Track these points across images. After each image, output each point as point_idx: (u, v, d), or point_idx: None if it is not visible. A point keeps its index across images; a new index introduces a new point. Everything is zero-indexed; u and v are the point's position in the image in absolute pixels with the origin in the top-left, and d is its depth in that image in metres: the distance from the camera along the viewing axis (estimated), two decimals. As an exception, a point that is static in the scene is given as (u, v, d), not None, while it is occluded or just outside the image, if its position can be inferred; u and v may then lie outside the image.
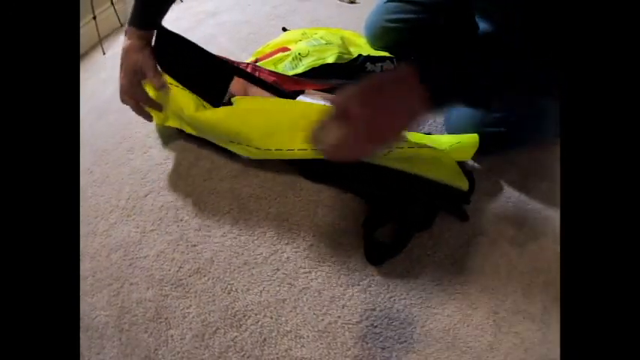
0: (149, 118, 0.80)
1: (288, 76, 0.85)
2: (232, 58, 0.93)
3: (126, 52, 0.75)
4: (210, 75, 0.77)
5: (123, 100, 0.78)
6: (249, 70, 0.85)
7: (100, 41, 1.38)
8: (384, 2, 0.95)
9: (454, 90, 0.54)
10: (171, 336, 0.66)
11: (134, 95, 0.77)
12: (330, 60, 0.85)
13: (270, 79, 0.84)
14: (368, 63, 0.88)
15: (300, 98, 0.80)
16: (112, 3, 1.49)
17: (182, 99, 0.76)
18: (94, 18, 1.41)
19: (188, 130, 0.81)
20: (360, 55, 0.88)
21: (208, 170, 0.82)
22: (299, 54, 0.88)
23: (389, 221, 0.71)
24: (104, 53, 1.35)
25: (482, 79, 0.52)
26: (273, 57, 0.91)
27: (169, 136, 0.90)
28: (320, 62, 0.85)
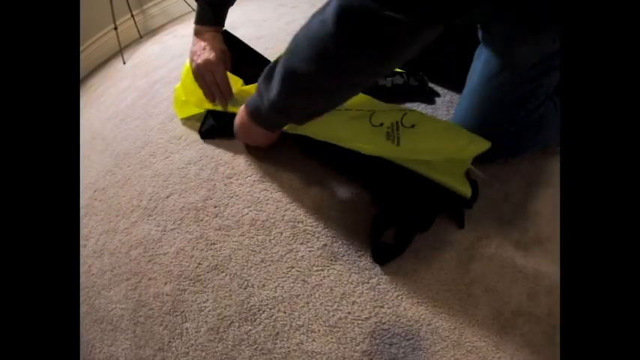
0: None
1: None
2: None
3: (207, 43, 0.85)
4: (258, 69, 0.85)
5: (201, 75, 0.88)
6: None
7: (121, 51, 1.44)
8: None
9: (281, 124, 0.75)
10: (186, 329, 0.69)
11: (207, 75, 0.86)
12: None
13: None
14: (379, 78, 0.93)
15: None
16: (132, 15, 1.55)
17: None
18: (115, 28, 1.47)
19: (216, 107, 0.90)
20: (371, 71, 0.93)
21: (229, 176, 0.86)
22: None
23: (394, 224, 0.74)
24: (124, 62, 1.41)
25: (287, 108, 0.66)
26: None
27: (192, 143, 0.94)
28: None
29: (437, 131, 0.75)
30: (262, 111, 0.69)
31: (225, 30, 0.91)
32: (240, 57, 0.90)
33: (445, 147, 0.74)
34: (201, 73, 0.85)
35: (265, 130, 0.75)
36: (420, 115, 0.77)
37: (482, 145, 0.74)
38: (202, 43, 0.85)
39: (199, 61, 0.84)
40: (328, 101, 0.64)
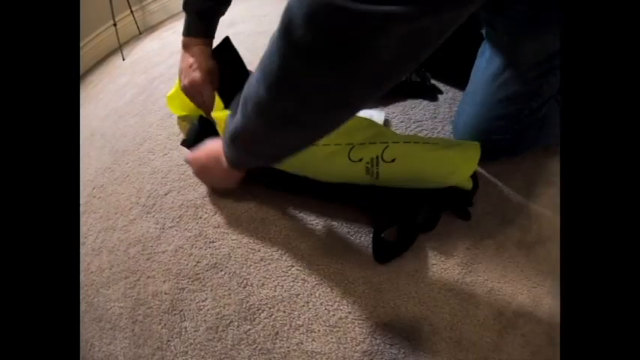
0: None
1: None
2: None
3: (196, 58, 0.81)
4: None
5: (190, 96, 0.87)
6: None
7: (120, 47, 1.43)
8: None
9: (247, 162, 0.65)
10: (185, 328, 0.68)
11: (197, 97, 0.85)
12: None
13: None
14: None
15: None
16: (132, 11, 1.54)
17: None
18: (115, 25, 1.46)
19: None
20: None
21: (227, 172, 0.84)
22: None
23: (396, 223, 0.73)
24: (124, 59, 1.40)
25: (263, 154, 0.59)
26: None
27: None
28: None
29: (418, 164, 0.71)
30: (226, 144, 0.61)
31: (227, 38, 0.88)
32: (231, 72, 0.86)
33: (427, 178, 0.71)
34: (189, 95, 0.84)
35: (229, 169, 0.66)
36: (403, 147, 0.70)
37: (467, 170, 0.71)
38: (189, 60, 0.82)
39: (186, 82, 0.82)
40: (293, 138, 0.53)
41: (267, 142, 0.55)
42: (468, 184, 0.72)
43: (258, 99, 0.46)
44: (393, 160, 0.70)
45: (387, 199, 0.72)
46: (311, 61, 0.38)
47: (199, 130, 0.82)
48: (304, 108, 0.44)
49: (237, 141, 0.57)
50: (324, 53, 0.37)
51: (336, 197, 0.76)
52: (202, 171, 0.76)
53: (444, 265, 0.70)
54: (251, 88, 0.48)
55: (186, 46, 0.83)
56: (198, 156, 0.74)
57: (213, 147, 0.72)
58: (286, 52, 0.39)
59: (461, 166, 0.71)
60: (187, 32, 0.83)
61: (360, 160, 0.70)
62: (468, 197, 0.74)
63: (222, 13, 0.84)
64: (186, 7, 0.80)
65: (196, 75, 0.80)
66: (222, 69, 0.85)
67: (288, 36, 0.38)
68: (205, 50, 0.83)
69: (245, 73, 0.90)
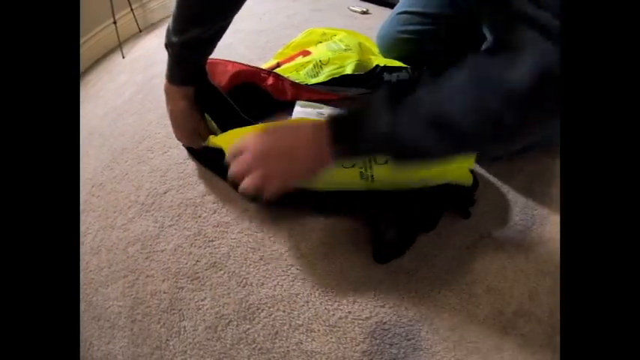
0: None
1: (308, 87, 0.86)
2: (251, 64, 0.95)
3: (178, 116, 0.76)
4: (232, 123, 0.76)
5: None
6: (270, 80, 0.87)
7: (120, 45, 1.43)
8: (397, 13, 0.98)
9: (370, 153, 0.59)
10: (184, 327, 0.68)
11: (194, 145, 0.82)
12: (349, 70, 0.88)
13: (291, 90, 0.86)
14: (385, 73, 0.91)
15: (295, 109, 0.80)
16: (132, 9, 1.53)
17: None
18: (115, 22, 1.45)
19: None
20: (377, 66, 0.91)
21: (226, 171, 0.84)
22: (320, 61, 0.91)
23: (397, 223, 0.72)
24: (123, 57, 1.40)
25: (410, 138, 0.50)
26: (295, 61, 0.94)
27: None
28: (340, 72, 0.87)
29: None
30: (367, 134, 0.52)
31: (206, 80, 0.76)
32: (214, 107, 0.80)
33: (424, 174, 0.70)
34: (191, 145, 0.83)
35: (322, 159, 0.54)
36: None
37: (462, 167, 0.70)
38: (173, 113, 0.76)
39: (176, 136, 0.81)
40: (454, 154, 0.57)
41: (425, 156, 0.54)
42: (468, 181, 0.72)
43: (462, 135, 0.49)
44: (386, 162, 0.69)
45: (386, 201, 0.72)
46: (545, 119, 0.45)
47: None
48: (498, 145, 0.54)
49: (392, 145, 0.52)
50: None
51: (335, 207, 0.75)
52: (280, 155, 0.56)
53: (444, 265, 0.70)
54: (459, 121, 0.49)
55: (167, 93, 0.74)
56: (293, 140, 0.56)
57: (297, 127, 0.58)
58: (529, 112, 0.45)
59: (451, 165, 0.70)
60: (169, 79, 0.73)
61: (353, 165, 0.69)
62: (469, 195, 0.74)
63: (207, 56, 0.74)
64: (165, 48, 0.70)
65: (182, 134, 0.79)
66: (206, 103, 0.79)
67: (538, 101, 0.43)
68: (187, 95, 0.74)
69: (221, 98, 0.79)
